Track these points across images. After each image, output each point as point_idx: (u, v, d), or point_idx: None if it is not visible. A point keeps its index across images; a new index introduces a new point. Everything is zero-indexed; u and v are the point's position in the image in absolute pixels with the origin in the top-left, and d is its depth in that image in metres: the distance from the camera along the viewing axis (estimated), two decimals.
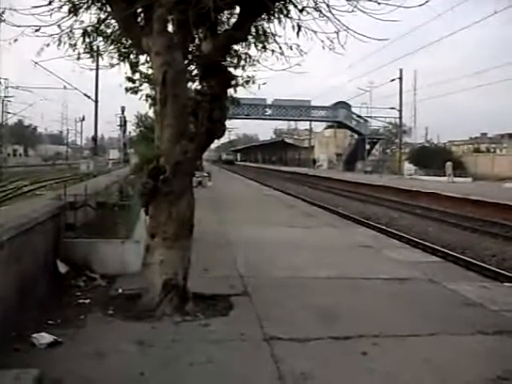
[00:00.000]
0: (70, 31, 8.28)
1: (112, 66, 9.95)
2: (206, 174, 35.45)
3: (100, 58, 10.14)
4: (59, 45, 8.40)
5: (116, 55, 9.49)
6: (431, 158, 59.13)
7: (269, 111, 75.23)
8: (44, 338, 5.66)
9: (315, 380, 4.88)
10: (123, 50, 9.31)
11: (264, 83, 10.24)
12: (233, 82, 10.07)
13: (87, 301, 7.43)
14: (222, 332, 6.14)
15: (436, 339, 6.15)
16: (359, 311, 7.10)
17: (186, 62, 8.09)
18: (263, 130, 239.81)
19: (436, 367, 5.35)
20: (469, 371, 5.25)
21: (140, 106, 47.07)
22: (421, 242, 16.87)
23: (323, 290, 8.20)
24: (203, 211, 16.59)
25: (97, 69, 13.24)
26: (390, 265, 10.35)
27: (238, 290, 7.95)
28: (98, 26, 8.43)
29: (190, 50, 8.26)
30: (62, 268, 8.46)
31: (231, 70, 9.51)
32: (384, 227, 20.28)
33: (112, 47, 9.29)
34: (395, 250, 12.21)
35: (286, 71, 8.97)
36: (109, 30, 8.70)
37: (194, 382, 4.76)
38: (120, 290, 7.83)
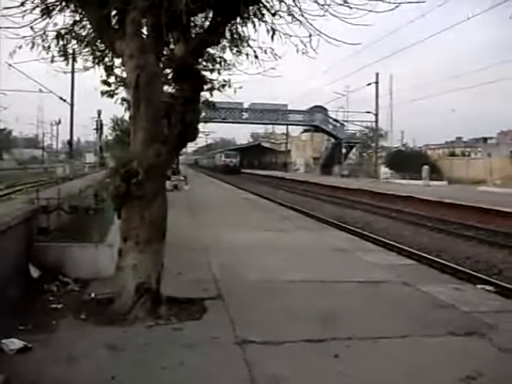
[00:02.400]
0: (44, 33, 8.22)
1: (86, 69, 9.88)
2: (182, 178, 35.44)
3: (75, 61, 10.08)
4: (32, 47, 8.34)
5: (90, 58, 9.43)
6: (407, 161, 59.50)
7: (245, 115, 75.23)
8: (14, 343, 5.59)
9: (286, 383, 4.89)
10: (98, 53, 9.24)
11: (240, 87, 10.25)
12: (208, 86, 10.08)
13: (60, 306, 7.36)
14: (194, 336, 6.13)
15: (408, 341, 6.21)
16: (332, 314, 7.11)
17: (161, 65, 8.07)
18: (240, 133, 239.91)
19: (407, 368, 5.39)
20: (439, 372, 5.32)
21: (116, 109, 46.75)
22: (396, 245, 16.97)
23: (297, 294, 8.21)
24: (179, 215, 16.57)
25: (72, 72, 13.13)
26: (365, 268, 10.41)
27: (212, 293, 7.93)
28: (71, 28, 8.38)
29: (164, 53, 8.24)
30: (35, 272, 8.38)
31: (207, 73, 9.51)
32: (360, 230, 20.36)
33: (86, 50, 9.23)
34: (370, 253, 12.28)
35: (261, 75, 9.01)
36: (83, 33, 8.64)
37: None
38: (93, 295, 7.76)
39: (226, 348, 5.78)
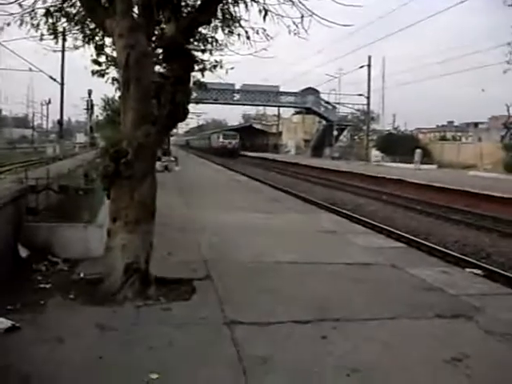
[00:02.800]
0: (32, 11, 8.15)
1: (76, 47, 9.82)
2: (172, 159, 35.33)
3: (65, 40, 10.00)
4: (21, 24, 8.27)
5: (80, 37, 9.35)
6: (398, 144, 59.58)
7: (237, 96, 74.91)
8: (2, 323, 5.58)
9: (273, 363, 4.92)
10: (88, 32, 9.17)
11: (232, 68, 10.23)
12: (200, 66, 10.04)
13: (48, 285, 7.33)
14: (183, 316, 6.15)
15: (395, 323, 6.25)
16: (321, 295, 7.15)
17: (152, 44, 8.02)
18: (232, 114, 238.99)
19: (394, 350, 5.44)
20: (425, 353, 5.36)
21: (107, 89, 46.56)
22: (385, 227, 17.03)
23: (286, 275, 8.24)
24: (169, 196, 16.57)
25: (62, 50, 13.04)
26: (354, 250, 10.45)
27: (201, 274, 7.94)
28: (61, 6, 8.30)
29: (156, 32, 8.18)
30: (23, 252, 8.36)
31: (198, 54, 9.49)
32: (349, 213, 20.41)
33: (76, 28, 9.15)
34: (359, 236, 12.32)
35: (253, 56, 8.99)
36: (73, 11, 8.56)
37: (152, 365, 4.74)
38: (82, 275, 7.75)
39: (215, 328, 5.80)
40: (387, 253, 10.26)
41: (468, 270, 10.91)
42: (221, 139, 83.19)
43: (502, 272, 11.78)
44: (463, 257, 13.11)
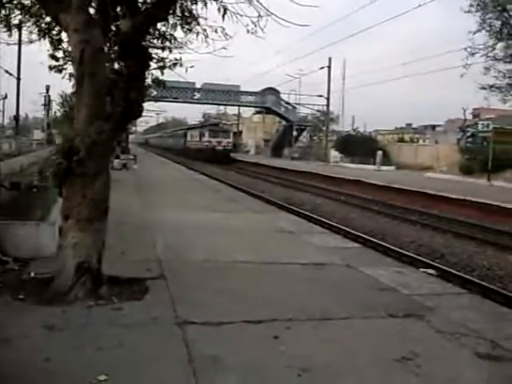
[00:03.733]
0: None
1: (31, 41, 9.60)
2: (131, 157, 35.01)
3: (20, 33, 9.78)
4: None
5: (36, 30, 9.14)
6: (357, 145, 60.36)
7: (197, 95, 74.58)
8: None
9: (225, 363, 4.88)
10: (43, 26, 8.97)
11: (192, 66, 10.10)
12: (160, 64, 9.92)
13: None
14: (134, 316, 6.06)
15: (348, 323, 6.28)
16: (275, 295, 7.15)
17: (107, 40, 7.90)
18: (192, 113, 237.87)
19: (346, 350, 5.46)
20: (377, 352, 5.40)
21: (65, 85, 45.65)
22: (342, 227, 17.16)
23: (241, 275, 8.22)
24: (126, 194, 16.45)
25: (19, 44, 12.76)
26: (310, 250, 10.49)
27: (155, 273, 7.85)
28: None
29: (112, 28, 8.05)
30: None
31: (158, 51, 9.36)
32: (307, 213, 20.50)
33: (31, 22, 8.95)
34: (316, 236, 12.39)
35: (213, 55, 8.94)
36: (27, 3, 8.38)
37: (101, 366, 4.65)
38: (33, 274, 7.57)
39: (166, 328, 5.73)
40: (343, 253, 10.33)
41: (422, 269, 11.04)
42: (206, 137, 62.28)
43: (455, 272, 11.99)
44: (418, 257, 13.27)
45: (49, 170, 11.61)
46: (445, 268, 12.27)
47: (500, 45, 33.31)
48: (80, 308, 6.27)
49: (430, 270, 11.46)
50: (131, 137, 72.48)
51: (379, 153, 50.51)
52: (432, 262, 12.85)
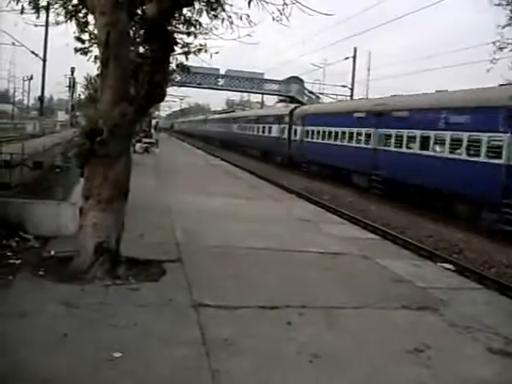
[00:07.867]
0: None
1: (58, 23, 9.67)
2: (153, 141, 35.15)
3: (48, 15, 9.84)
4: None
5: (63, 12, 9.21)
6: None
7: (221, 81, 74.25)
8: None
9: (237, 346, 4.95)
10: (70, 8, 9.04)
11: (216, 52, 10.12)
12: (184, 49, 9.95)
13: (18, 261, 7.29)
14: (150, 297, 6.16)
15: (361, 312, 6.32)
16: (290, 282, 7.20)
17: (135, 24, 7.96)
18: (216, 100, 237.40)
19: (358, 338, 5.51)
20: (389, 343, 5.43)
21: (90, 67, 45.78)
22: (361, 219, 17.11)
23: (257, 261, 8.27)
24: (146, 177, 16.54)
25: (46, 26, 12.84)
26: (327, 239, 10.48)
27: (173, 256, 7.94)
28: None
29: (138, 12, 8.09)
30: None
31: (183, 36, 9.40)
32: (326, 203, 20.46)
33: (59, 4, 9.02)
34: (334, 226, 12.37)
35: (237, 41, 8.95)
36: None
37: (115, 343, 4.75)
38: (53, 252, 7.70)
39: (181, 310, 5.82)
40: (360, 244, 10.31)
41: (439, 264, 11.03)
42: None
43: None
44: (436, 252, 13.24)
45: (71, 151, 11.77)
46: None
47: None
48: (98, 287, 6.38)
49: (447, 265, 11.44)
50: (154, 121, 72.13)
51: None
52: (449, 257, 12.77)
